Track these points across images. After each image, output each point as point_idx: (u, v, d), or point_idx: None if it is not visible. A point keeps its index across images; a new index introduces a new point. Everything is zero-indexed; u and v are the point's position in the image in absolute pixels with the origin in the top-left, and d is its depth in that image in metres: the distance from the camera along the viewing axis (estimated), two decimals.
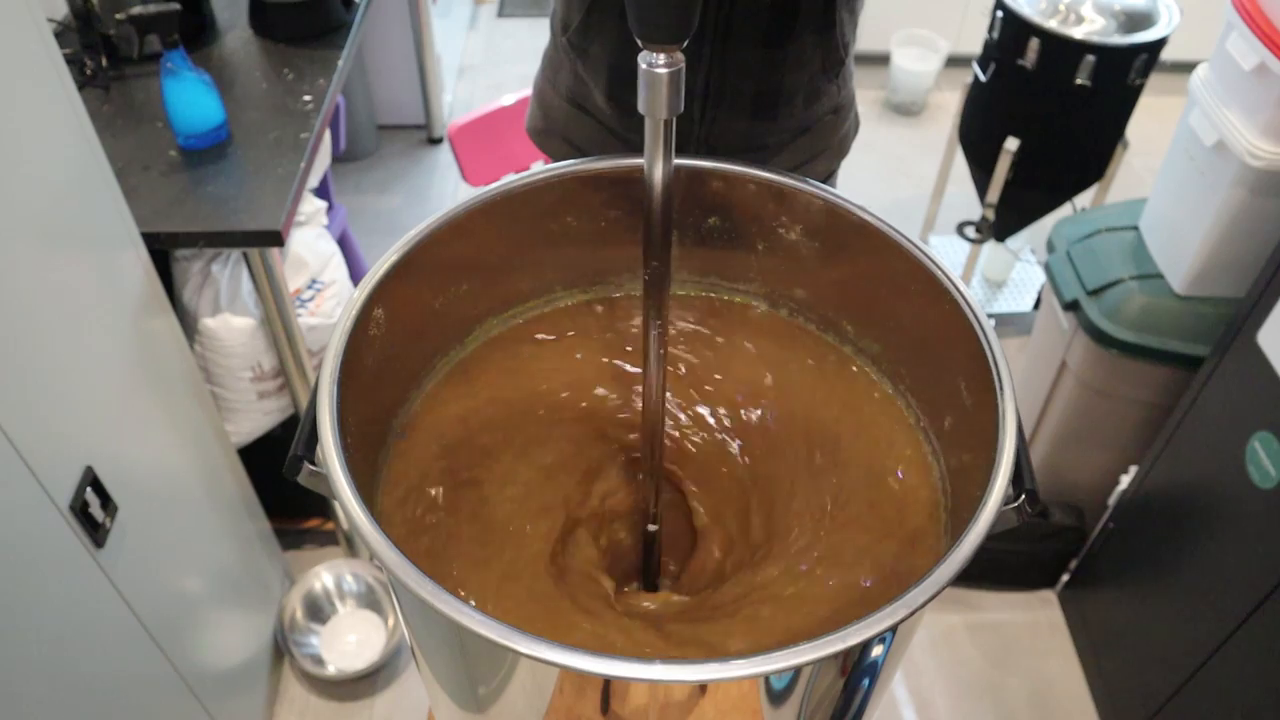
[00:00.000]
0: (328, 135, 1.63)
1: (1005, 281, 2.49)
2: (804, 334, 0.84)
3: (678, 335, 0.85)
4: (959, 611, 1.87)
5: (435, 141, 2.94)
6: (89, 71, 1.53)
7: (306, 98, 1.53)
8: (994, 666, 1.79)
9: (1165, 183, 1.57)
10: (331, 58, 1.63)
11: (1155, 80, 1.94)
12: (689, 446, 0.83)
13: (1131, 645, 1.62)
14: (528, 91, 1.12)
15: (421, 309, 0.77)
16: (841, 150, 1.02)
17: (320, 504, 1.83)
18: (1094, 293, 1.59)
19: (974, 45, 2.28)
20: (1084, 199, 2.19)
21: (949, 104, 3.16)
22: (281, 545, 1.74)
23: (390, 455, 0.74)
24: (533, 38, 3.54)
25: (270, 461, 1.15)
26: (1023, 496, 0.59)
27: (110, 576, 1.07)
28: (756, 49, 0.87)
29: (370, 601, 1.77)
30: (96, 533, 1.03)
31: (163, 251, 1.36)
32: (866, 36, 3.10)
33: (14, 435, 0.89)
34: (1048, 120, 1.95)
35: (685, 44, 0.54)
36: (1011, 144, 1.99)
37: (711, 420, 0.83)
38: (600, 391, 0.83)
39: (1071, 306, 1.62)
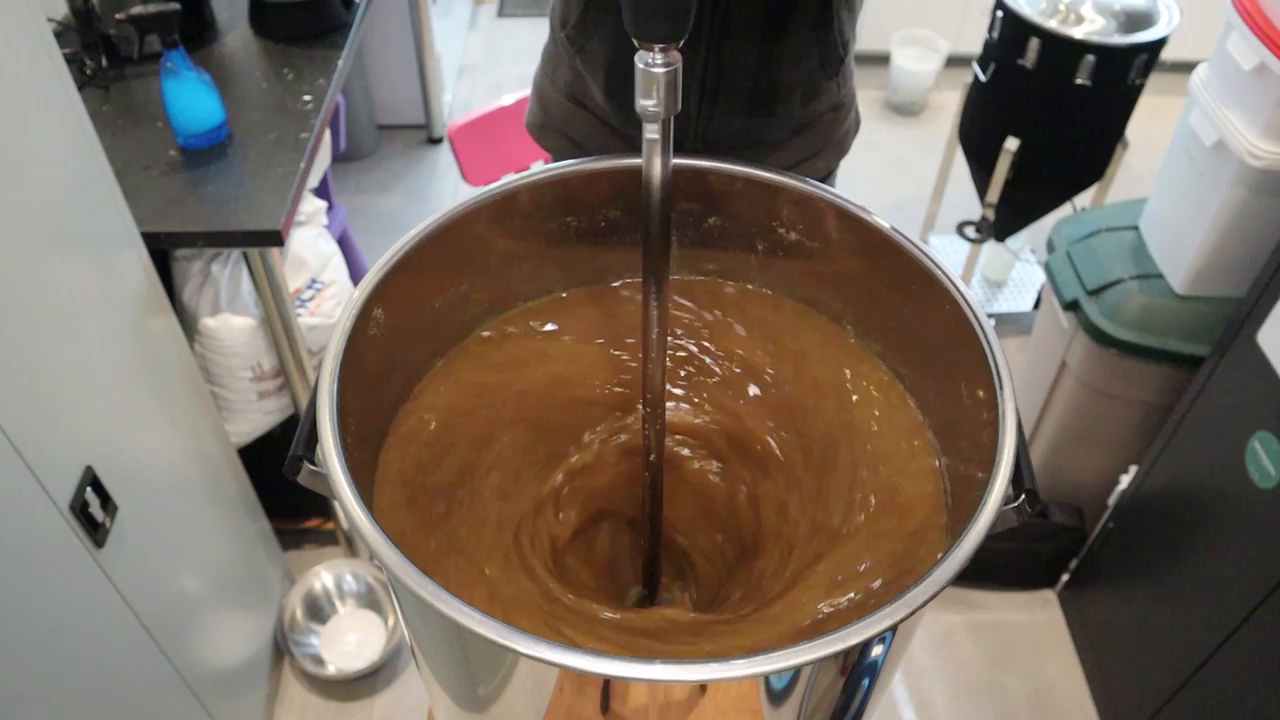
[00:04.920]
0: (328, 135, 1.63)
1: (1005, 281, 2.49)
2: (805, 330, 0.84)
3: (678, 327, 0.85)
4: (959, 611, 1.87)
5: (435, 141, 2.94)
6: (89, 71, 1.53)
7: (306, 98, 1.53)
8: (994, 666, 1.79)
9: (1165, 183, 1.57)
10: (331, 58, 1.63)
11: (1155, 80, 1.94)
12: (688, 445, 0.83)
13: (1131, 645, 1.62)
14: (527, 91, 1.12)
15: (421, 309, 0.77)
16: (841, 149, 1.02)
17: (320, 504, 1.83)
18: (1094, 293, 1.59)
19: (974, 45, 2.28)
20: (1084, 199, 2.19)
21: (949, 104, 3.16)
22: (281, 545, 1.74)
23: (390, 454, 0.74)
24: (532, 38, 3.54)
25: (270, 461, 1.15)
26: (1023, 496, 0.59)
27: (110, 576, 1.07)
28: (753, 45, 0.87)
29: (370, 601, 1.77)
30: (96, 533, 1.03)
31: (163, 251, 1.36)
32: (866, 36, 3.10)
33: (14, 435, 0.89)
34: (1048, 120, 1.95)
35: (681, 42, 0.54)
36: (1011, 144, 1.99)
37: (711, 418, 0.83)
38: (601, 391, 0.83)
39: (1071, 306, 1.62)
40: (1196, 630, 1.40)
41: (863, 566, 0.70)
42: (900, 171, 2.95)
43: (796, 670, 0.53)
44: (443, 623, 0.55)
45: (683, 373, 0.84)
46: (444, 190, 2.80)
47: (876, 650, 0.60)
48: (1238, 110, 1.37)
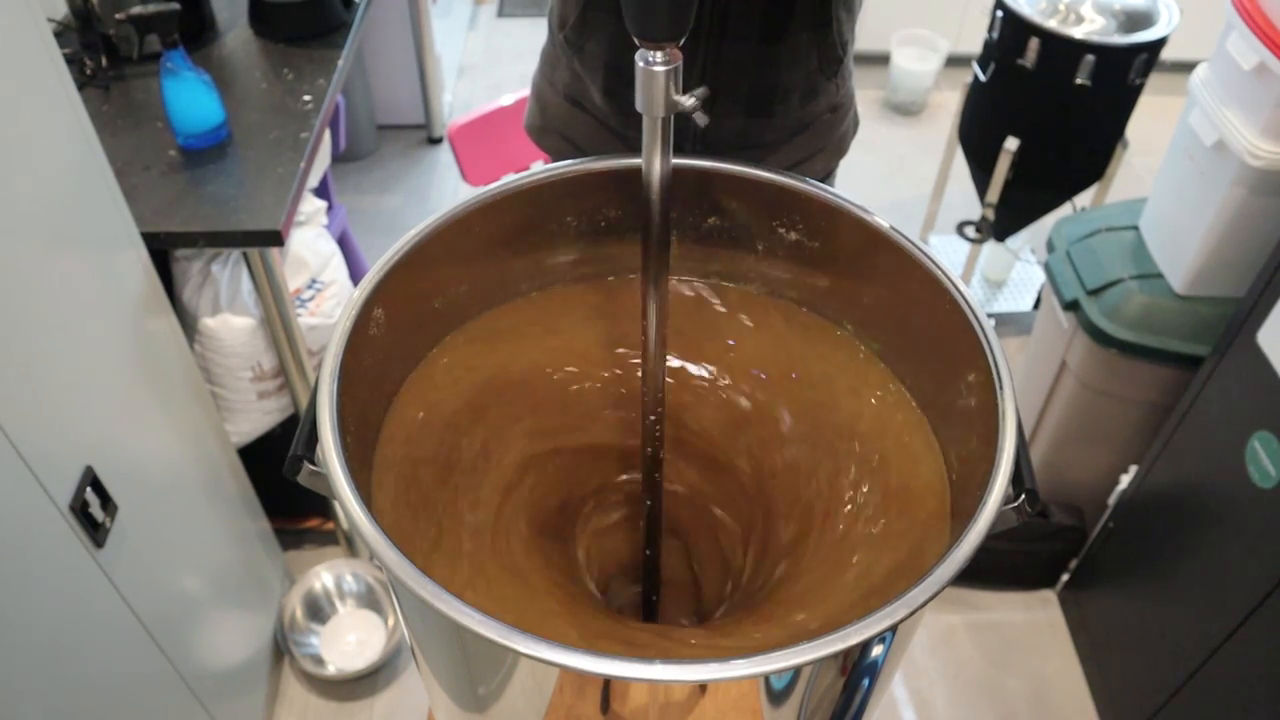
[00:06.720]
0: (328, 135, 1.63)
1: (1005, 281, 2.49)
2: (804, 330, 0.84)
3: (677, 327, 0.85)
4: (959, 611, 1.87)
5: (435, 141, 2.95)
6: (89, 71, 1.53)
7: (306, 98, 1.53)
8: (994, 666, 1.79)
9: (1165, 183, 1.57)
10: (331, 58, 1.63)
11: (1155, 80, 1.94)
12: (688, 445, 0.83)
13: (1131, 645, 1.62)
14: (527, 91, 1.12)
15: (422, 309, 0.77)
16: (840, 149, 1.02)
17: (320, 504, 1.83)
18: (1094, 292, 1.59)
19: (974, 45, 2.28)
20: (1084, 199, 2.19)
21: (949, 104, 3.16)
22: (281, 545, 1.74)
23: (389, 453, 0.74)
24: (532, 38, 3.54)
25: (270, 461, 1.15)
26: (1023, 496, 0.59)
27: (110, 576, 1.07)
28: (752, 46, 0.87)
29: (370, 601, 1.77)
30: (96, 533, 1.03)
31: (163, 251, 1.36)
32: (866, 36, 3.10)
33: (14, 435, 0.89)
34: (1048, 120, 1.95)
35: (681, 42, 0.54)
36: (1011, 144, 1.99)
37: (710, 417, 0.83)
38: (601, 389, 0.83)
39: (1071, 306, 1.62)
40: (1196, 630, 1.40)
41: (862, 567, 0.70)
42: (900, 171, 2.95)
43: (796, 670, 0.53)
44: (443, 623, 0.55)
45: (682, 372, 0.84)
46: (444, 190, 2.80)
47: (876, 650, 0.60)
48: (1238, 110, 1.37)
